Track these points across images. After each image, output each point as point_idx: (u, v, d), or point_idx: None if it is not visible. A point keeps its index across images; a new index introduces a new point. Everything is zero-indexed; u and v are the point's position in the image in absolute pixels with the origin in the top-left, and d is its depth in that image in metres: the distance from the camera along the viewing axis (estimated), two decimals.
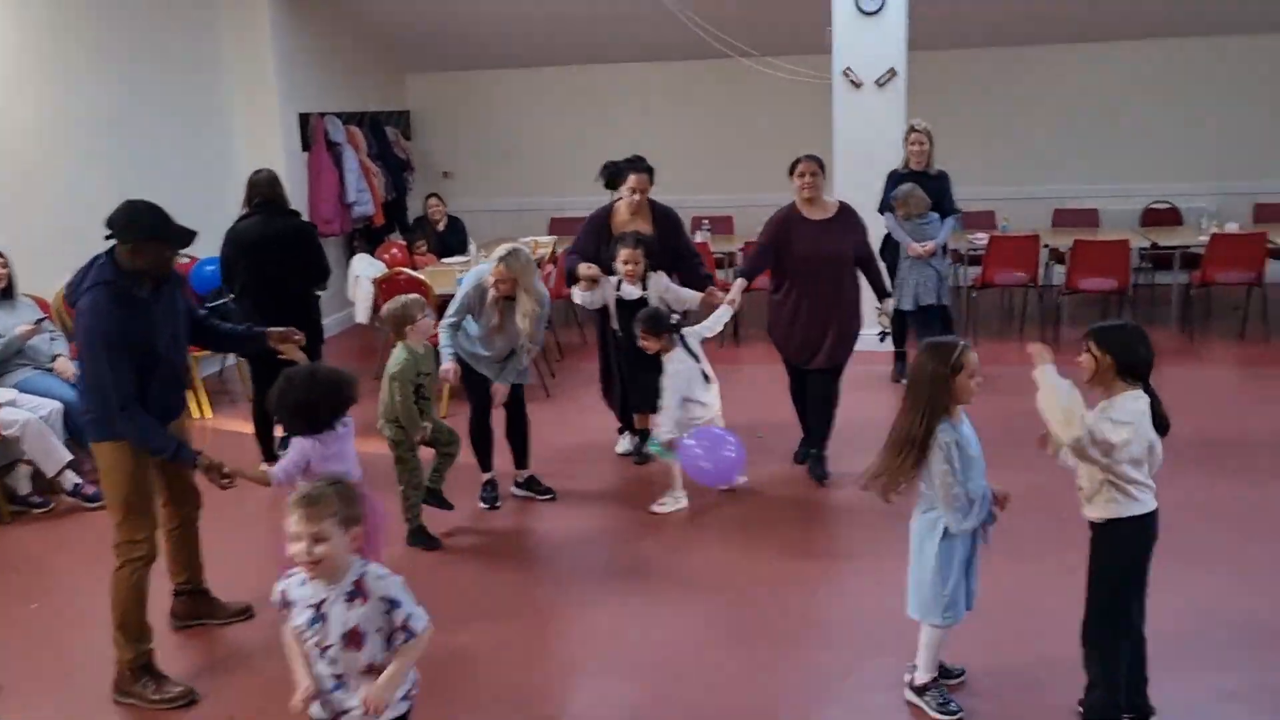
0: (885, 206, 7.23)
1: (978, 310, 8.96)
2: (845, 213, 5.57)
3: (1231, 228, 8.31)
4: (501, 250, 5.09)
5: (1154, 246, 8.47)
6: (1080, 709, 3.45)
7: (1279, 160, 9.61)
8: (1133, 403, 3.14)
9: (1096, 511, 3.23)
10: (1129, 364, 3.14)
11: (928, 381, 3.29)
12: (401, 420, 4.86)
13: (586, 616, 4.36)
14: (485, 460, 5.51)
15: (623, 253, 5.50)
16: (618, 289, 5.59)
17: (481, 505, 5.48)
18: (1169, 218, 9.58)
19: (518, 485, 5.62)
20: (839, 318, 5.53)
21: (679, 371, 5.18)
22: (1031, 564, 4.49)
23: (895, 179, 7.27)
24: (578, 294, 5.68)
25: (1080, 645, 3.38)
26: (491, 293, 5.09)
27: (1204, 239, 8.12)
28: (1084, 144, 10.01)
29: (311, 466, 3.75)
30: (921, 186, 7.08)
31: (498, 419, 5.47)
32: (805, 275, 5.49)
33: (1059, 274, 8.65)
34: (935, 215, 7.10)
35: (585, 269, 5.61)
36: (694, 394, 5.22)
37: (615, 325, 5.69)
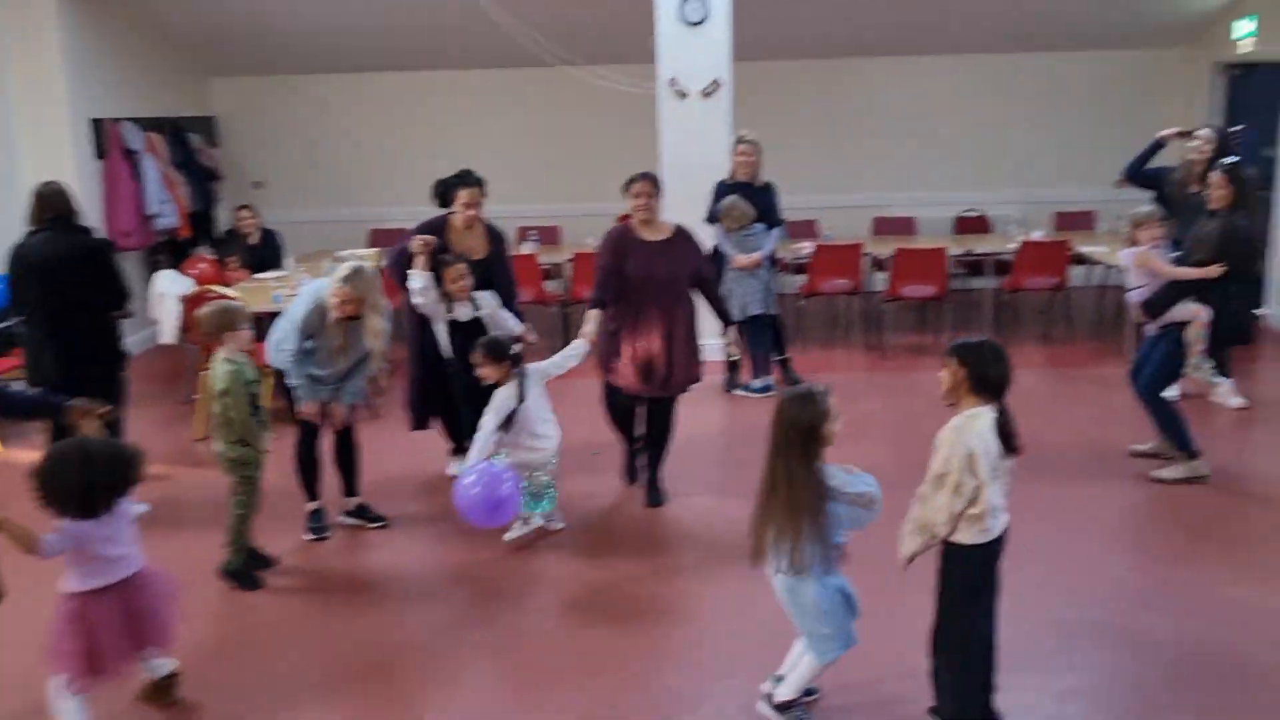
0: (712, 218, 7.24)
1: (804, 318, 9.11)
2: (682, 235, 5.38)
3: (1038, 235, 8.72)
4: (344, 270, 4.79)
5: (969, 254, 8.80)
6: (930, 718, 3.47)
7: (1076, 171, 10.15)
8: (969, 421, 3.14)
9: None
10: (981, 379, 3.15)
11: (806, 435, 3.23)
12: (245, 437, 4.52)
13: (430, 660, 4.12)
14: (312, 488, 5.20)
15: (449, 272, 5.29)
16: (450, 311, 5.36)
17: (308, 537, 5.16)
18: (978, 225, 9.99)
19: (347, 514, 5.33)
20: (680, 343, 5.32)
21: (503, 406, 4.80)
22: (880, 574, 4.51)
23: (722, 190, 7.28)
24: (415, 278, 5.30)
25: (928, 656, 3.40)
26: (334, 313, 4.80)
27: (1014, 246, 8.48)
28: (900, 154, 10.34)
29: (85, 549, 3.36)
30: (749, 197, 7.12)
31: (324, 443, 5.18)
32: (640, 299, 5.26)
33: (881, 281, 8.88)
34: (760, 226, 7.16)
35: (420, 239, 5.28)
36: (532, 429, 4.91)
37: (450, 353, 5.42)
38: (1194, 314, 5.55)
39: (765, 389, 7.23)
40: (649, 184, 5.29)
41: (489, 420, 4.77)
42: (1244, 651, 3.99)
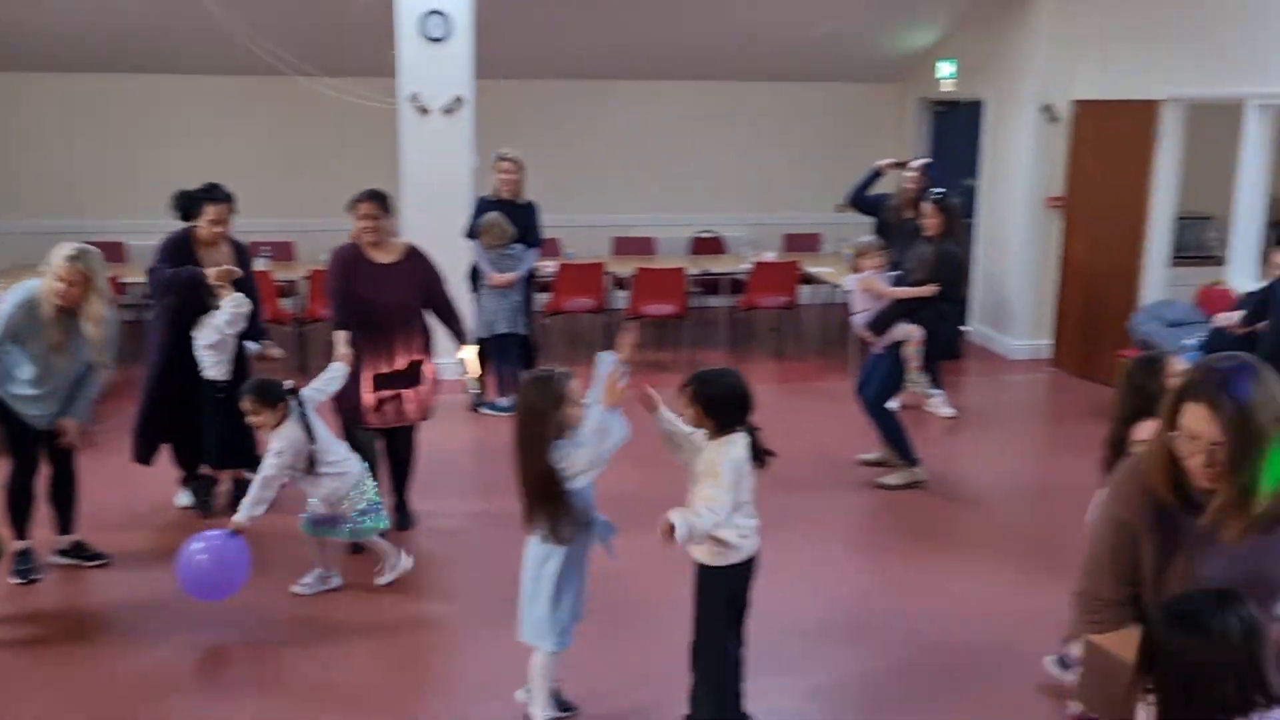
0: (471, 233, 7.18)
1: (548, 336, 9.15)
2: (414, 255, 5.13)
3: (769, 256, 9.16)
4: (68, 249, 4.36)
5: (706, 273, 9.13)
6: None
7: (802, 195, 10.72)
8: (732, 448, 3.23)
9: (699, 555, 3.34)
10: (722, 413, 3.25)
11: (542, 418, 3.25)
12: None
13: (167, 708, 3.83)
14: (21, 526, 4.71)
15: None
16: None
17: (15, 581, 4.68)
18: (713, 246, 10.38)
19: (61, 553, 4.87)
20: (413, 368, 5.08)
21: (288, 449, 4.36)
22: (635, 588, 4.58)
23: (483, 206, 7.23)
24: (240, 303, 5.01)
25: (689, 670, 3.48)
26: (49, 306, 4.35)
27: (747, 266, 8.87)
28: (639, 175, 10.58)
29: None
30: (510, 215, 7.10)
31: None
32: (370, 322, 4.95)
33: (622, 299, 9.06)
34: (520, 245, 7.16)
35: (219, 270, 4.98)
36: (326, 458, 4.48)
37: (216, 375, 5.09)
38: (909, 332, 5.99)
39: (512, 408, 7.20)
40: (374, 205, 4.98)
41: (270, 466, 4.33)
42: (962, 638, 4.34)
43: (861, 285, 6.17)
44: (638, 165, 10.57)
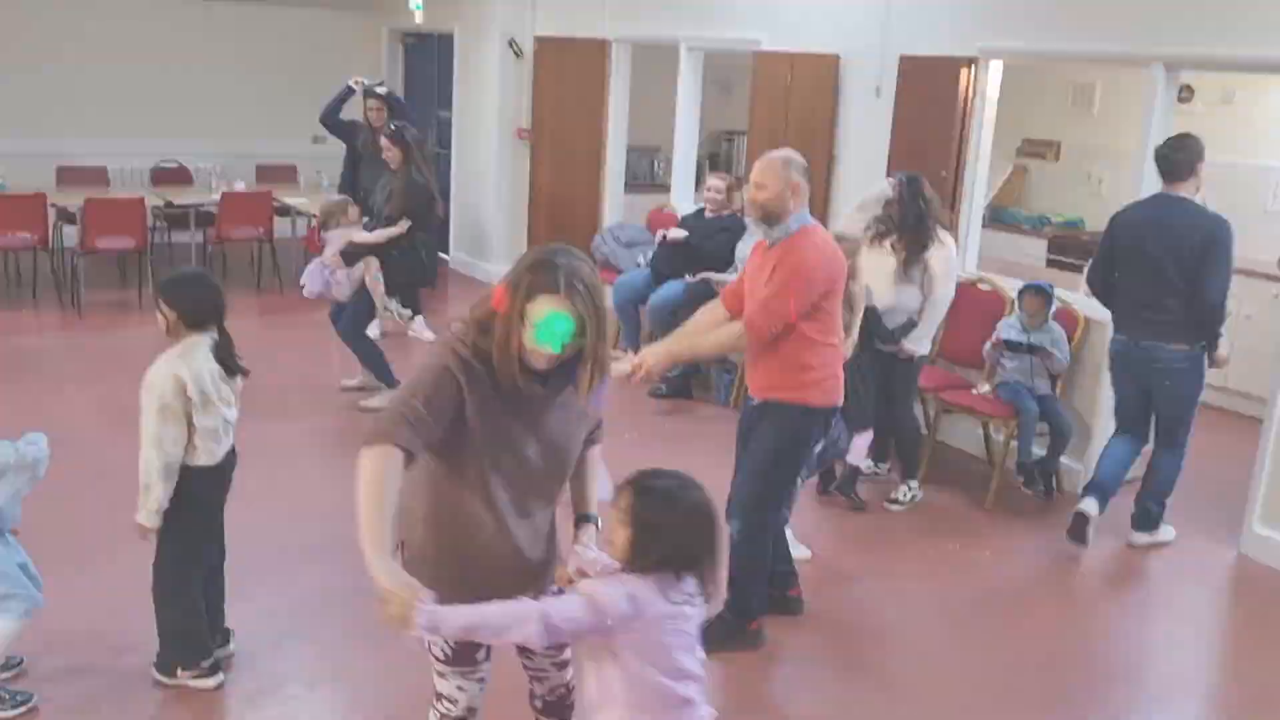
0: None
1: None
2: None
3: (240, 186, 8.72)
4: None
5: (169, 205, 8.50)
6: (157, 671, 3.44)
7: (275, 124, 10.26)
8: (187, 351, 3.19)
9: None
10: (194, 312, 3.19)
11: None
12: None
13: None
14: None
15: None
16: None
17: None
18: (179, 176, 9.66)
19: None
20: None
21: None
22: (76, 535, 4.25)
23: None
24: None
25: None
26: None
27: (216, 197, 8.39)
28: (86, 98, 9.53)
29: None
30: None
31: None
32: None
33: (71, 235, 8.20)
34: None
35: None
36: None
37: None
38: (367, 261, 6.06)
39: None
40: None
41: None
42: None
43: (344, 242, 6.10)
44: (84, 87, 9.52)
